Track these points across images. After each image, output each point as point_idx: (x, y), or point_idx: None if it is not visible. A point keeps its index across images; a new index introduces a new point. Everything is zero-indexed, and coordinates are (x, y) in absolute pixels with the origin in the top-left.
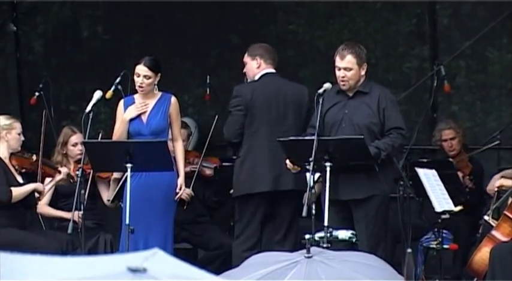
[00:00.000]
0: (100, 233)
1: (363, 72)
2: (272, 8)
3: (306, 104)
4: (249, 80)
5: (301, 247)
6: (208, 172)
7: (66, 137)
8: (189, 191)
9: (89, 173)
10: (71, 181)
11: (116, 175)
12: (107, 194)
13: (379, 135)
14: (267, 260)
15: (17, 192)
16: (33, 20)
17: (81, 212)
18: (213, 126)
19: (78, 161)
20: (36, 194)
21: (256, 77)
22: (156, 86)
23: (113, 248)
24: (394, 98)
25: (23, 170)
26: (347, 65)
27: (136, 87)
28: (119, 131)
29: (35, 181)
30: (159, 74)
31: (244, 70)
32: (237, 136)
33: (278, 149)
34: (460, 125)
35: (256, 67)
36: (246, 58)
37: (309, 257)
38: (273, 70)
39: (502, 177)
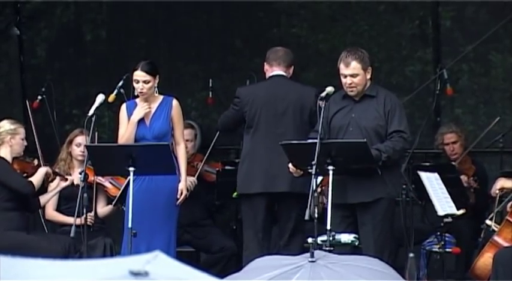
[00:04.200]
0: (100, 236)
1: (368, 76)
2: (275, 12)
3: (309, 107)
4: None
5: (304, 250)
6: (212, 176)
7: (73, 136)
8: (192, 179)
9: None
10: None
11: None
12: (102, 204)
13: (386, 138)
14: (271, 264)
15: (35, 180)
16: (36, 24)
17: (92, 213)
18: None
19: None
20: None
21: None
22: (156, 89)
23: (113, 252)
24: (399, 101)
25: (24, 175)
26: (353, 72)
27: (138, 93)
28: (127, 133)
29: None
30: (158, 76)
31: None
32: (225, 128)
33: (274, 150)
34: (462, 129)
35: (265, 71)
36: None
37: (312, 262)
38: (280, 72)
39: (502, 177)
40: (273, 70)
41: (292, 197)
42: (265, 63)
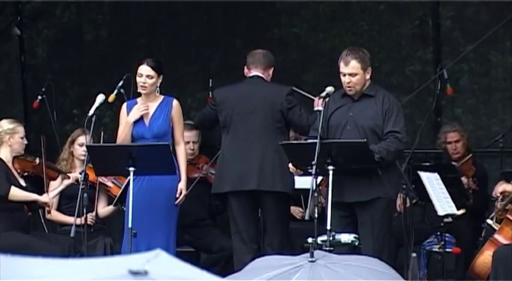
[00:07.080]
0: (100, 236)
1: (367, 76)
2: (275, 11)
3: (279, 104)
4: None
5: (303, 250)
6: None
7: (75, 135)
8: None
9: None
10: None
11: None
12: (103, 204)
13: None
14: (271, 264)
15: (17, 192)
16: (37, 24)
17: (93, 213)
18: None
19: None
20: (42, 202)
21: None
22: (158, 89)
23: (113, 251)
24: (397, 102)
25: (25, 174)
26: (352, 71)
27: (139, 88)
28: (123, 134)
29: (38, 185)
30: (162, 76)
31: None
32: (200, 124)
33: (244, 149)
34: (465, 128)
35: (245, 75)
36: None
37: (312, 261)
38: (256, 73)
39: (505, 179)
40: (251, 72)
41: (270, 196)
42: (245, 68)
